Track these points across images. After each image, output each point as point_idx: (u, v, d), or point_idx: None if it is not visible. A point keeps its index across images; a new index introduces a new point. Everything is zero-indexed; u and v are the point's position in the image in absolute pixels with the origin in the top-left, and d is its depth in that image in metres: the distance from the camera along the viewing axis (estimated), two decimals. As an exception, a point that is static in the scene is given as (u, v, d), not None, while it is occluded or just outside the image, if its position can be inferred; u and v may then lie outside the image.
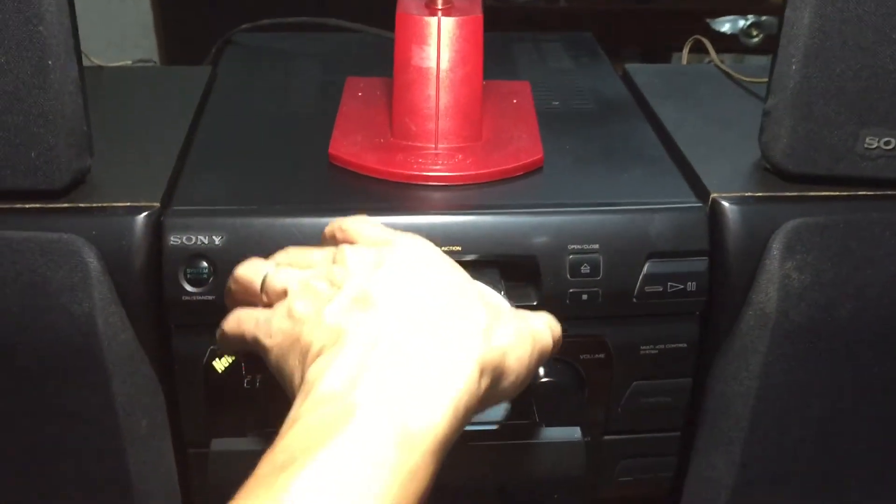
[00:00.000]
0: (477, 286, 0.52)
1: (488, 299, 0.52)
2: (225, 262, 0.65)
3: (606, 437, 0.75)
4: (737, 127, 0.80)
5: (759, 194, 0.69)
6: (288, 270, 0.55)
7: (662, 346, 0.71)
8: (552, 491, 0.56)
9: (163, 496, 0.72)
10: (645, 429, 0.75)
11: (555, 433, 0.52)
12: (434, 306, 0.49)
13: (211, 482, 0.51)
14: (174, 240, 0.65)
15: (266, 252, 0.65)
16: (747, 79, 0.90)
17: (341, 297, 0.50)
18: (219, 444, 0.51)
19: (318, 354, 0.48)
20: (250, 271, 0.56)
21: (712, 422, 0.73)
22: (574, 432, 0.52)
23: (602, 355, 0.71)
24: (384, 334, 0.47)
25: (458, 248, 0.67)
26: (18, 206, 0.65)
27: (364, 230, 0.56)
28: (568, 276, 0.67)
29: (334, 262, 0.53)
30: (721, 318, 0.70)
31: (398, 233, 0.55)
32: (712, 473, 0.74)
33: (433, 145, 0.74)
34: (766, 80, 0.84)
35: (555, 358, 0.71)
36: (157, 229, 0.65)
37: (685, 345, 0.71)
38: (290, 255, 0.57)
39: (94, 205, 0.65)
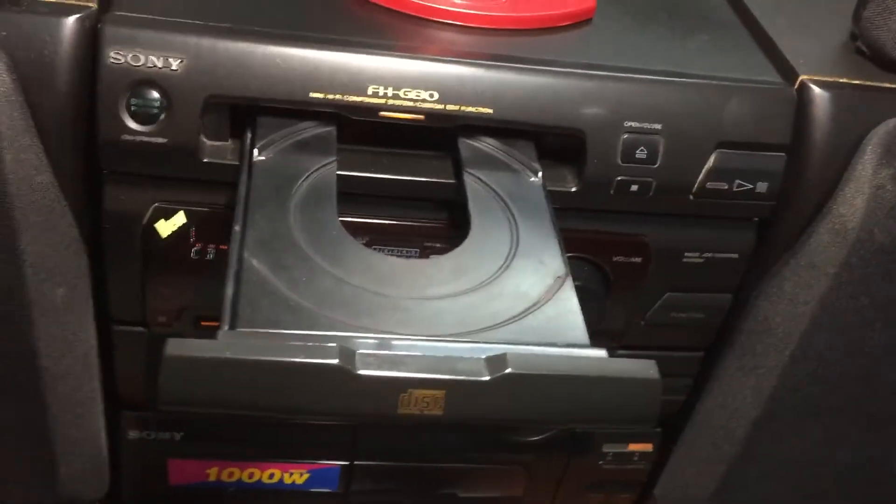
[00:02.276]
0: None
1: None
2: (183, 94, 0.49)
3: (621, 352, 0.64)
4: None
5: (857, 82, 0.56)
6: None
7: (710, 255, 0.59)
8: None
9: (78, 379, 0.58)
10: (667, 346, 0.64)
11: (625, 366, 0.40)
12: None
13: (164, 395, 0.37)
14: (115, 57, 0.48)
15: (238, 85, 0.49)
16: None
17: None
18: (176, 347, 0.36)
19: None
20: None
21: (748, 346, 0.62)
22: (649, 367, 0.40)
23: (638, 259, 0.59)
24: None
25: (489, 111, 0.52)
26: None
27: None
28: (619, 159, 0.54)
29: None
30: (787, 229, 0.58)
31: None
32: (735, 402, 0.64)
33: (458, -27, 0.58)
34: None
35: (582, 258, 0.59)
36: (92, 39, 0.48)
37: (736, 255, 0.60)
38: None
39: (5, -5, 0.48)
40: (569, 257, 0.57)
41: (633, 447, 0.72)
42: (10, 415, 0.57)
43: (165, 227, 0.54)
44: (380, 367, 0.38)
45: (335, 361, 0.37)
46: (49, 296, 0.52)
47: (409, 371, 0.38)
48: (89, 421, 0.61)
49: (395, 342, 0.40)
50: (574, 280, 0.58)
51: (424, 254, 0.57)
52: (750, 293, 0.61)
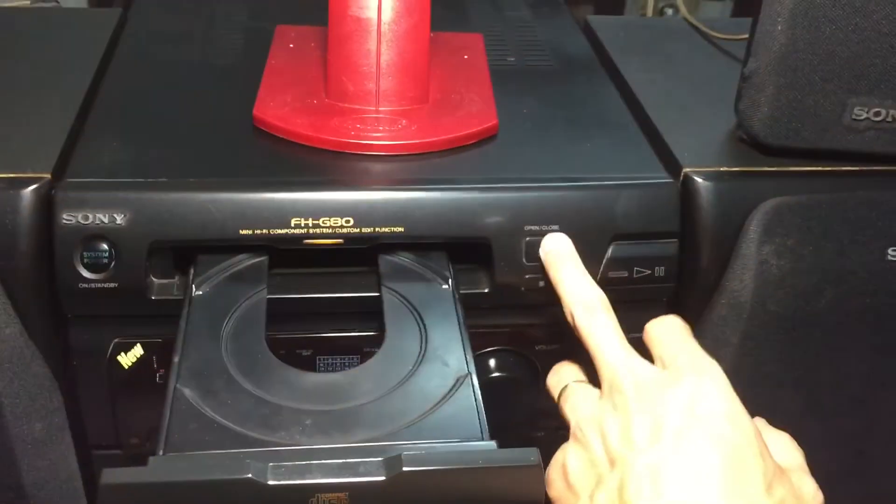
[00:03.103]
0: (764, 447, 0.48)
1: (778, 478, 0.46)
2: (128, 243, 0.56)
3: (563, 432, 0.69)
4: (709, 91, 0.73)
5: (736, 169, 0.62)
6: (576, 394, 0.53)
7: (626, 336, 0.64)
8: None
9: (65, 502, 0.64)
10: (604, 423, 0.69)
11: (508, 455, 0.45)
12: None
13: None
14: (67, 218, 0.56)
15: (176, 230, 0.56)
16: (719, 35, 0.82)
17: (611, 487, 0.46)
18: (109, 476, 0.42)
19: None
20: (553, 381, 0.56)
21: (677, 416, 0.67)
22: (530, 454, 0.45)
23: (558, 346, 0.64)
24: None
25: (401, 229, 0.59)
26: None
27: (668, 346, 0.52)
28: (524, 260, 0.60)
29: (614, 406, 0.49)
30: (691, 307, 0.63)
31: (695, 364, 0.49)
32: (675, 470, 0.68)
33: (373, 108, 0.65)
34: (739, 37, 0.77)
35: (507, 350, 0.64)
36: (47, 205, 0.56)
37: (650, 334, 0.65)
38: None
39: (-29, 175, 0.56)
40: (495, 350, 0.64)
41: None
42: (4, 541, 0.64)
43: (126, 360, 0.60)
44: (288, 477, 0.43)
45: (248, 475, 0.42)
46: (27, 431, 0.59)
47: (314, 478, 0.43)
48: (80, 540, 0.67)
49: (303, 452, 0.45)
50: (503, 371, 0.64)
51: (364, 359, 0.63)
52: (671, 367, 0.66)
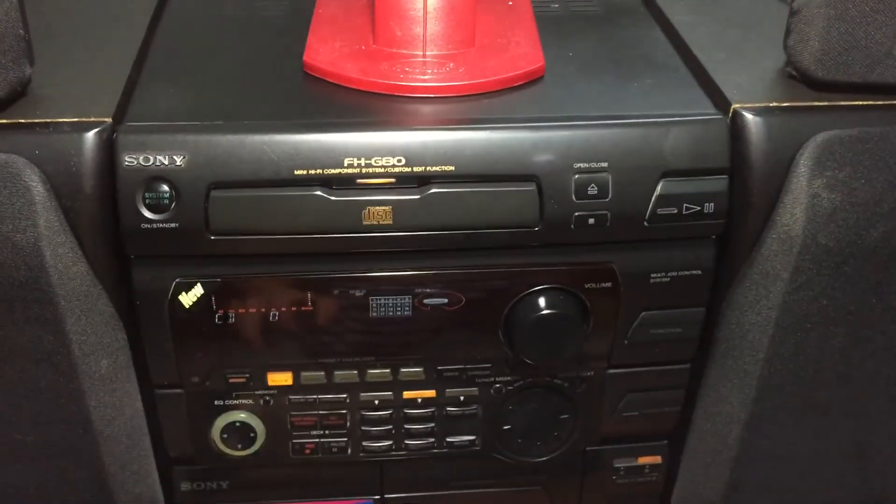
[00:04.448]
0: None
1: None
2: (187, 184, 0.58)
3: (611, 371, 0.70)
4: (757, 29, 0.72)
5: (786, 104, 0.62)
6: None
7: (675, 274, 0.65)
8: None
9: (130, 439, 0.66)
10: (653, 361, 0.70)
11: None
12: None
13: (211, 229, 0.58)
14: (129, 160, 0.57)
15: (233, 171, 0.58)
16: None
17: None
18: (218, 193, 0.57)
19: None
20: None
21: (726, 353, 0.67)
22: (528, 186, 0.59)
23: (609, 284, 0.65)
24: None
25: (451, 168, 0.60)
26: (-52, 122, 0.57)
27: None
28: (573, 197, 0.60)
29: None
30: (741, 243, 0.63)
31: None
32: (724, 407, 0.69)
33: (421, 52, 0.66)
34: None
35: (557, 288, 0.65)
36: (109, 148, 0.58)
37: (700, 272, 0.65)
38: None
39: (37, 120, 0.57)
40: (544, 289, 0.65)
41: (642, 460, 0.77)
42: (73, 475, 0.66)
43: (187, 299, 0.62)
44: (347, 195, 0.59)
45: (318, 192, 0.58)
46: (94, 367, 0.61)
47: (366, 195, 0.59)
48: (144, 477, 0.69)
49: (360, 180, 0.59)
50: (553, 309, 0.65)
51: (416, 300, 0.64)
52: (720, 305, 0.66)
